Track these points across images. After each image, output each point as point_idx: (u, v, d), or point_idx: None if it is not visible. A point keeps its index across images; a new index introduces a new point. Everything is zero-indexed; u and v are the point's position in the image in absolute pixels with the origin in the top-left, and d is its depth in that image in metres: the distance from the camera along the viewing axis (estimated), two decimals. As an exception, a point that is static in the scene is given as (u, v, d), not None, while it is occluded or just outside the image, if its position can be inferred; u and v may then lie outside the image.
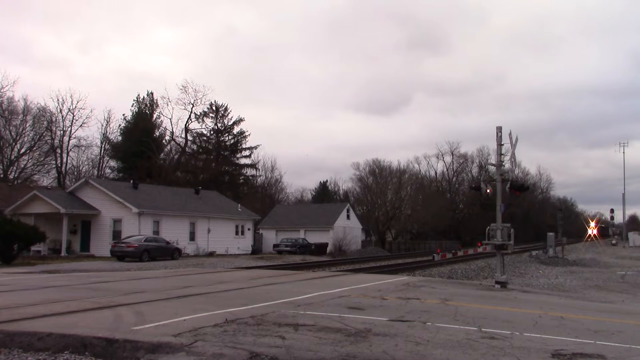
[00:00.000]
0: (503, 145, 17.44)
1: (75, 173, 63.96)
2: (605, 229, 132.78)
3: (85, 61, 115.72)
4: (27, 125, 58.86)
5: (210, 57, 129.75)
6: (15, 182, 52.99)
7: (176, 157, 71.90)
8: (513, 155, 17.68)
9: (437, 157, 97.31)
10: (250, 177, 79.47)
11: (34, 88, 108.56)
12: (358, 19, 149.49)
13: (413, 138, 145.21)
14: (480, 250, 21.50)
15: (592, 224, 79.43)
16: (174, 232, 40.52)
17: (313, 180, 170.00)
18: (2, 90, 57.26)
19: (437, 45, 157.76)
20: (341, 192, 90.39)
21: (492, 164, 18.12)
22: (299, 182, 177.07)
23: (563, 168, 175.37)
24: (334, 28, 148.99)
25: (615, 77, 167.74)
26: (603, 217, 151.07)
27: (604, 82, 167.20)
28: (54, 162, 61.59)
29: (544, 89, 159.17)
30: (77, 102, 74.07)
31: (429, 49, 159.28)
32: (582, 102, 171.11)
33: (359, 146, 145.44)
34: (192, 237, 43.05)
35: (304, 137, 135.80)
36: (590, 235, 79.59)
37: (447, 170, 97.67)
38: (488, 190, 17.46)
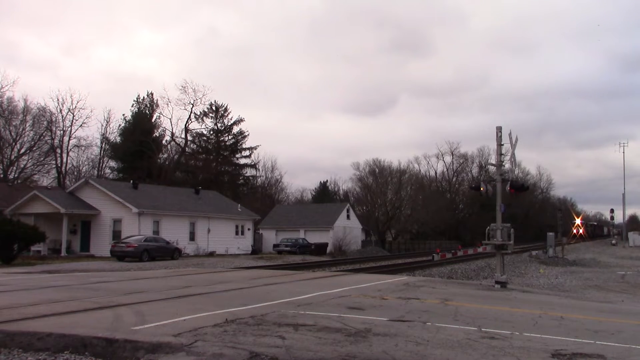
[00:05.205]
0: (503, 145, 17.46)
1: (75, 173, 63.97)
2: (599, 227, 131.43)
3: (71, 64, 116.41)
4: (27, 125, 58.91)
5: (195, 59, 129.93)
6: (15, 182, 52.93)
7: (176, 157, 71.90)
8: (513, 155, 17.69)
9: (437, 157, 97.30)
10: (250, 177, 79.49)
11: (21, 90, 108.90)
12: (337, 22, 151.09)
13: (401, 139, 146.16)
14: (480, 250, 21.50)
15: (578, 220, 75.05)
16: (174, 232, 40.51)
17: (307, 180, 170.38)
18: (1, 90, 57.36)
19: (420, 47, 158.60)
20: (341, 192, 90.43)
21: (492, 164, 18.12)
22: (292, 182, 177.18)
23: (555, 169, 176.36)
24: (314, 30, 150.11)
25: (597, 78, 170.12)
26: (603, 217, 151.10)
27: (587, 84, 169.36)
28: (54, 162, 61.60)
29: (528, 90, 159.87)
30: (77, 102, 74.21)
31: (412, 51, 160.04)
32: (567, 103, 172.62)
33: (350, 147, 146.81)
34: (192, 237, 43.03)
35: (293, 138, 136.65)
36: (574, 233, 72.93)
37: (447, 170, 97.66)
38: (488, 190, 17.45)
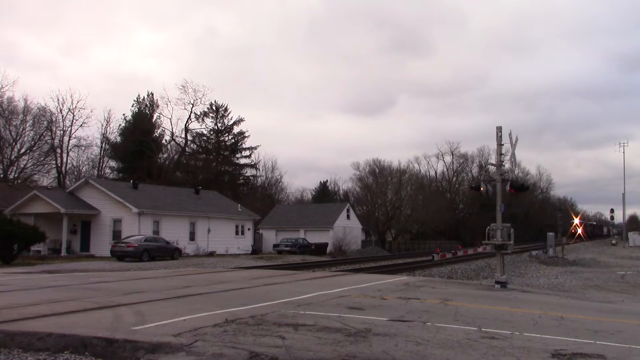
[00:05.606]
0: (503, 145, 17.46)
1: (75, 173, 63.93)
2: (599, 227, 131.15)
3: (70, 64, 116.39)
4: (27, 125, 58.82)
5: (195, 59, 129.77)
6: (15, 182, 52.90)
7: (176, 157, 71.89)
8: (513, 155, 17.69)
9: (437, 157, 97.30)
10: (250, 177, 79.48)
11: (21, 89, 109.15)
12: (336, 22, 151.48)
13: (401, 139, 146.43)
14: (480, 250, 21.51)
15: (576, 220, 73.43)
16: (174, 232, 40.50)
17: (307, 180, 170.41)
18: (2, 90, 57.33)
19: (420, 47, 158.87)
20: (341, 192, 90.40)
21: (492, 164, 18.12)
22: (292, 182, 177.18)
23: (555, 169, 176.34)
24: (313, 31, 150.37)
25: (596, 78, 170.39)
26: (603, 217, 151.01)
27: (586, 84, 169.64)
28: (54, 162, 61.54)
29: (527, 90, 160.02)
30: (77, 102, 74.05)
31: (412, 51, 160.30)
32: (567, 103, 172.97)
33: (350, 147, 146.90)
34: (192, 237, 43.03)
35: (293, 137, 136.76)
36: (572, 232, 71.18)
37: (447, 170, 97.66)
38: (488, 190, 17.46)
